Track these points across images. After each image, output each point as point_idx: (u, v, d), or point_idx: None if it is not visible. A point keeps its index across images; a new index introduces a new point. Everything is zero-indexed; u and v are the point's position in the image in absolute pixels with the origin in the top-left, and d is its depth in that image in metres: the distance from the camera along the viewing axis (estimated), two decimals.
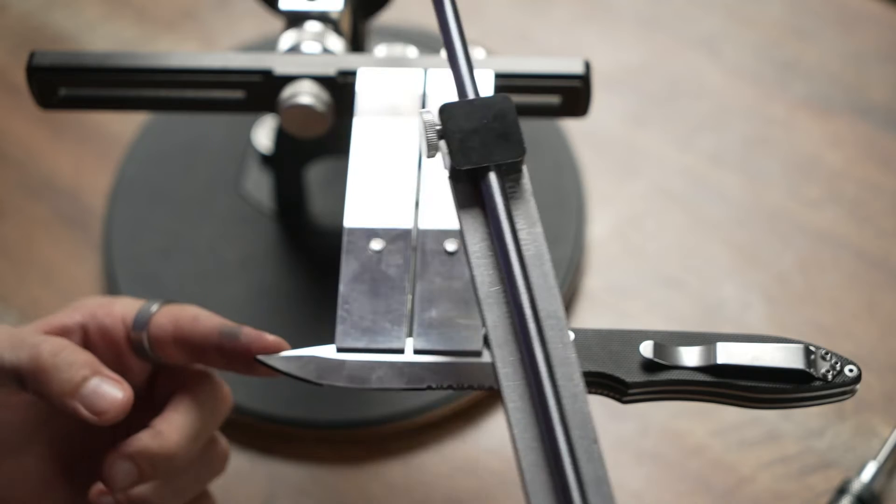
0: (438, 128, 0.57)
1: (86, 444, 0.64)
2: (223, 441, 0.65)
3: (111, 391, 0.59)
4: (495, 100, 0.58)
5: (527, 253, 0.56)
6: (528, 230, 0.57)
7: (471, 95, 0.59)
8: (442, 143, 0.57)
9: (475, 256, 0.56)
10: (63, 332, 0.62)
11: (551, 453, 0.52)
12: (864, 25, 0.93)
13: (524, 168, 0.58)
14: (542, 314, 0.55)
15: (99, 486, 0.61)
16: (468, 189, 0.57)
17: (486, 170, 0.57)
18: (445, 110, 0.57)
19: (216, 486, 0.66)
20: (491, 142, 0.57)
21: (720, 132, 0.88)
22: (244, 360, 0.61)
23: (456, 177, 0.57)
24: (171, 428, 0.61)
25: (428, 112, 0.58)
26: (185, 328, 0.62)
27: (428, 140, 0.57)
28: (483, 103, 0.58)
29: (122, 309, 0.63)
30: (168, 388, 0.63)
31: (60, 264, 0.85)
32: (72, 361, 0.59)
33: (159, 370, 0.65)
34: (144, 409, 0.63)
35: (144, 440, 0.60)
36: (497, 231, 0.56)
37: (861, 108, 0.89)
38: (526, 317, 0.54)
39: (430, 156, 0.58)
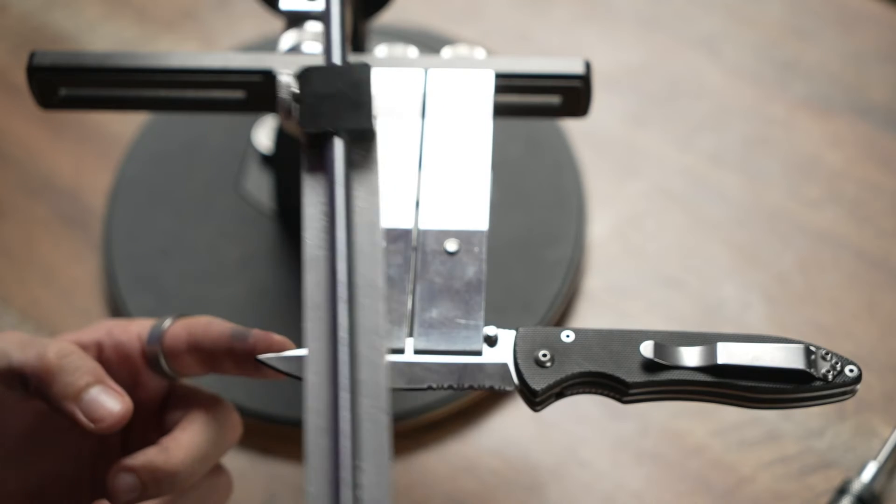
0: (294, 91, 0.59)
1: (94, 468, 0.64)
2: (228, 474, 0.65)
3: (110, 401, 0.59)
4: (354, 68, 0.59)
5: (359, 220, 0.57)
6: (367, 198, 0.58)
7: (337, 62, 0.60)
8: (295, 106, 0.59)
9: (309, 220, 0.57)
10: (81, 349, 0.62)
11: (333, 417, 0.51)
12: (864, 25, 0.93)
13: (376, 139, 0.59)
14: (359, 280, 0.55)
15: (100, 502, 0.61)
16: (317, 154, 0.59)
17: (334, 134, 0.58)
18: (304, 74, 0.59)
19: None
20: (341, 109, 0.59)
21: (720, 132, 0.88)
22: (253, 362, 0.61)
23: (310, 143, 0.59)
24: (178, 445, 0.60)
25: (286, 74, 0.59)
26: (199, 334, 0.62)
27: (280, 101, 0.59)
28: (342, 70, 0.59)
29: (138, 327, 0.63)
30: (179, 412, 0.63)
31: (60, 264, 0.85)
32: (77, 366, 0.59)
33: (172, 392, 0.65)
34: (156, 431, 0.63)
35: (150, 455, 0.60)
36: (330, 195, 0.57)
37: (861, 108, 0.89)
38: (338, 281, 0.54)
39: (282, 119, 0.59)
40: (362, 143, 0.59)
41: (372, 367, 0.53)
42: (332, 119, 0.59)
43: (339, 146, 0.58)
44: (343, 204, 0.57)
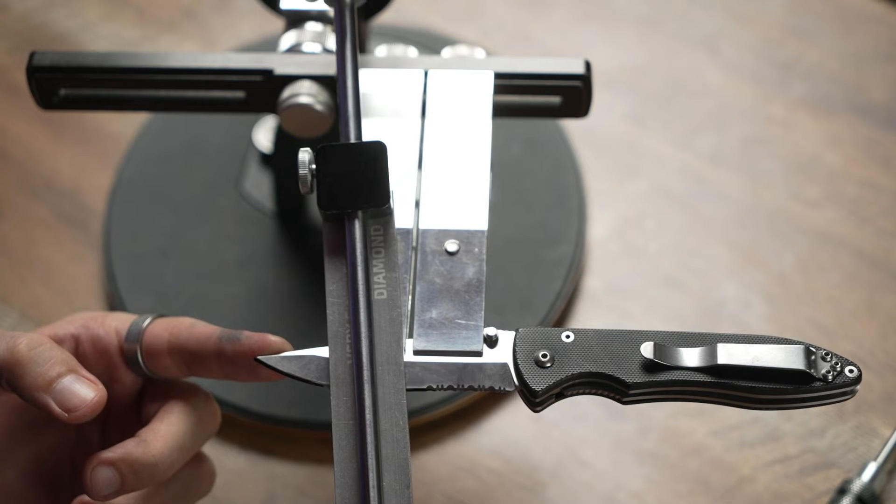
0: (313, 167, 0.60)
1: (73, 464, 0.64)
2: (210, 462, 0.64)
3: (83, 389, 0.58)
4: (369, 146, 0.60)
5: (378, 297, 0.59)
6: (387, 274, 0.60)
7: (352, 139, 0.61)
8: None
9: (331, 296, 0.59)
10: (54, 342, 0.61)
11: (362, 494, 0.55)
12: (864, 25, 0.93)
13: (393, 213, 0.60)
14: (379, 359, 0.58)
15: (80, 499, 0.60)
16: (338, 229, 0.60)
17: (352, 214, 0.59)
18: (321, 153, 0.60)
19: (216, 488, 0.65)
20: (359, 188, 0.60)
21: (720, 132, 0.89)
22: (244, 364, 0.60)
23: (328, 217, 0.60)
24: (156, 437, 0.60)
25: (306, 151, 0.60)
26: (182, 335, 0.61)
27: (301, 178, 0.60)
28: (357, 148, 0.60)
29: (115, 321, 0.63)
30: (156, 403, 0.63)
31: (60, 264, 0.85)
32: (48, 357, 0.58)
33: (148, 384, 0.64)
34: (134, 425, 0.63)
35: (128, 447, 0.59)
36: (350, 274, 0.59)
37: (861, 108, 0.89)
38: (362, 362, 0.57)
39: (305, 192, 0.60)
40: (380, 217, 0.60)
41: (395, 442, 0.57)
42: (349, 199, 0.60)
43: (357, 226, 0.60)
44: (363, 284, 0.59)
